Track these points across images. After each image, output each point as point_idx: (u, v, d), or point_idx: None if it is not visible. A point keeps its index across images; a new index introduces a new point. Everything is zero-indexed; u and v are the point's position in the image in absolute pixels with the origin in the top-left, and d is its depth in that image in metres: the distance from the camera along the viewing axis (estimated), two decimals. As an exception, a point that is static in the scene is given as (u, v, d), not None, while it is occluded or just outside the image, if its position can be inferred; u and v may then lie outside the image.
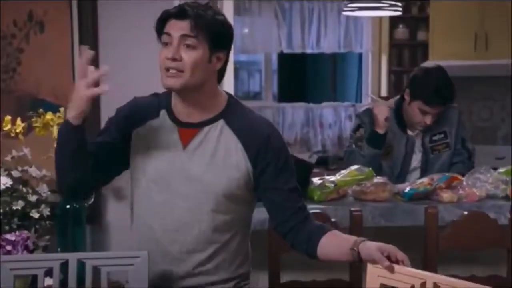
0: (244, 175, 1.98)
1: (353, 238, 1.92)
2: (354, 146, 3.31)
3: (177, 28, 1.88)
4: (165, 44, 1.90)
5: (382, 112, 3.17)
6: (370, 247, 1.83)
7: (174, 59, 1.88)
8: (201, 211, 1.98)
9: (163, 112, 2.02)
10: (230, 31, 1.98)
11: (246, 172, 1.98)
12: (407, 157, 3.29)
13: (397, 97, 3.37)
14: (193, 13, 1.87)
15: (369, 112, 3.32)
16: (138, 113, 2.04)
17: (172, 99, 2.02)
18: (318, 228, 2.01)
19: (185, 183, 1.97)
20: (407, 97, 3.22)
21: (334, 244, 1.95)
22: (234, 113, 2.01)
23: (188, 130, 1.99)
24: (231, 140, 1.98)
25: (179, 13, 1.88)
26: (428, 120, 3.17)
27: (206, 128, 1.98)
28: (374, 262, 1.80)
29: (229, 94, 2.07)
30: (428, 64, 5.75)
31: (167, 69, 1.89)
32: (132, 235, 2.11)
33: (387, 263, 1.78)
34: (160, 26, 1.92)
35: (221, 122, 1.99)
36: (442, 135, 3.30)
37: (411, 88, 3.20)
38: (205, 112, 1.99)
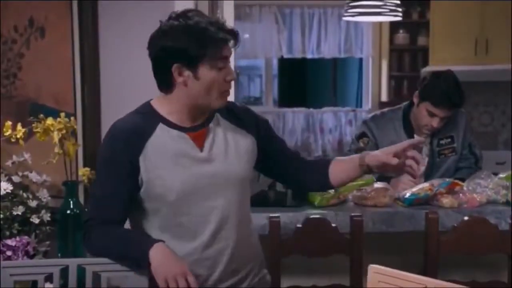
0: (253, 158, 2.11)
1: (356, 156, 2.12)
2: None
3: (230, 51, 1.96)
4: (220, 68, 1.93)
5: (407, 186, 3.07)
6: (375, 155, 2.06)
7: (232, 80, 1.97)
8: (230, 201, 2.03)
9: (160, 126, 1.98)
10: None
11: (254, 154, 2.11)
12: None
13: (406, 102, 3.37)
14: (236, 32, 1.96)
15: (376, 119, 3.33)
16: (132, 137, 1.96)
17: (159, 109, 2.00)
18: (320, 162, 2.26)
19: (216, 182, 1.99)
20: (416, 99, 3.22)
21: (342, 169, 2.17)
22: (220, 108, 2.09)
23: (197, 133, 2.01)
24: (234, 130, 2.07)
25: (233, 37, 1.95)
26: (435, 123, 3.16)
27: (211, 125, 2.04)
28: (385, 166, 2.04)
29: None
30: (430, 69, 5.78)
31: (225, 91, 1.97)
32: None
33: (395, 160, 2.00)
34: (213, 50, 1.91)
35: (217, 116, 2.06)
36: (449, 140, 3.30)
37: (421, 90, 3.20)
38: (205, 112, 2.04)
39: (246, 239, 2.10)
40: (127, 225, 2.05)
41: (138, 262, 1.89)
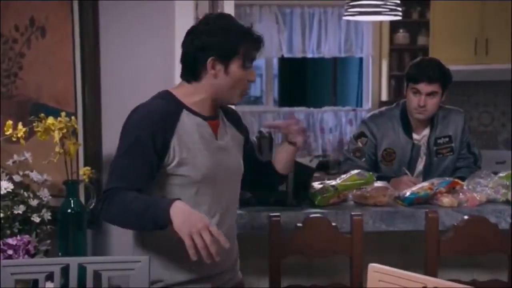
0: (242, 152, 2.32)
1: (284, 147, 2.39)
2: (352, 154, 3.32)
3: (256, 55, 2.20)
4: (247, 68, 2.15)
5: (407, 186, 3.09)
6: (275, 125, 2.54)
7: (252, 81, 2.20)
8: (237, 191, 2.29)
9: (185, 112, 2.13)
10: None
11: (242, 149, 2.32)
12: (412, 163, 3.30)
13: (402, 101, 3.38)
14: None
15: (375, 119, 3.34)
16: (164, 119, 2.09)
17: (188, 99, 2.15)
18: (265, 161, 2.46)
19: (231, 169, 2.22)
20: (405, 90, 3.28)
21: (280, 157, 2.42)
22: None
23: (213, 122, 2.19)
24: (231, 126, 2.28)
25: (261, 44, 2.19)
26: (421, 101, 3.20)
27: (220, 117, 2.23)
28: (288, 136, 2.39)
29: None
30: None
31: (245, 90, 2.19)
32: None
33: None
34: (246, 50, 2.14)
35: (219, 112, 2.24)
36: (447, 139, 3.31)
37: (405, 76, 3.30)
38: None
39: (233, 231, 2.27)
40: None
41: (157, 220, 1.94)
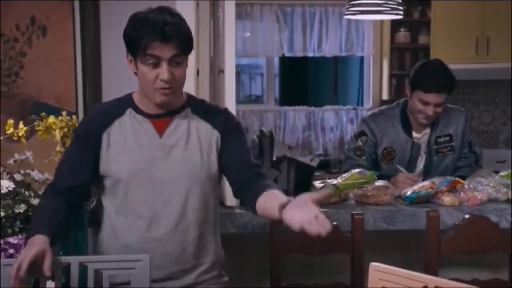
0: (217, 150, 2.14)
1: (281, 201, 1.88)
2: (352, 153, 3.32)
3: (165, 50, 1.96)
4: (151, 64, 1.98)
5: (405, 184, 3.10)
6: (291, 218, 1.79)
7: (169, 80, 1.99)
8: (188, 192, 2.09)
9: (129, 110, 2.12)
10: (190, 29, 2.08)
11: (218, 146, 2.14)
12: (412, 162, 3.30)
13: (403, 99, 3.37)
14: (176, 32, 1.96)
15: (376, 117, 3.33)
16: (104, 116, 2.12)
17: (135, 97, 2.13)
18: (262, 186, 2.06)
19: (170, 167, 2.08)
20: (408, 92, 3.24)
21: (267, 204, 1.97)
22: (195, 103, 2.19)
23: (160, 120, 2.11)
24: (200, 124, 2.14)
25: (164, 36, 1.94)
26: (430, 111, 3.16)
27: (176, 116, 2.13)
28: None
29: (185, 91, 2.22)
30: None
31: (162, 88, 2.01)
32: (109, 229, 2.16)
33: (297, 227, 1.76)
34: (138, 46, 1.96)
35: (187, 110, 2.15)
36: (447, 138, 3.30)
37: (411, 80, 3.22)
38: (173, 104, 2.12)
39: (181, 235, 2.12)
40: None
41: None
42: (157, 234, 2.08)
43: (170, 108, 2.12)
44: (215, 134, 2.15)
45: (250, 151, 2.24)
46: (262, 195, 2.01)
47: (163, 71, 1.97)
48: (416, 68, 3.27)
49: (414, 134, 3.30)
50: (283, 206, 1.84)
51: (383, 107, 3.47)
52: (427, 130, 3.31)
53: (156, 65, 1.98)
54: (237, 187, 2.15)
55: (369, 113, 3.49)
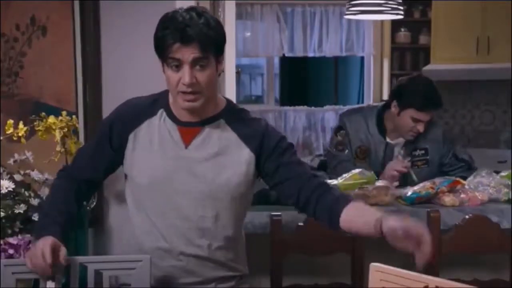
0: (247, 171, 2.01)
1: (376, 214, 1.84)
2: (334, 149, 3.32)
3: (186, 53, 1.85)
4: (174, 67, 1.88)
5: (397, 167, 3.14)
6: (392, 227, 1.76)
7: (192, 84, 1.88)
8: (205, 209, 2.00)
9: (161, 111, 2.03)
10: (223, 30, 1.96)
11: (250, 167, 2.01)
12: (386, 162, 3.29)
13: (381, 105, 3.38)
14: (198, 34, 1.84)
15: (351, 114, 3.35)
16: (134, 115, 2.04)
17: (170, 98, 2.04)
18: (340, 197, 1.97)
19: (190, 182, 1.98)
20: (395, 109, 3.21)
21: (356, 216, 1.90)
22: (232, 114, 2.05)
23: (189, 129, 2.01)
24: (232, 138, 2.01)
25: (184, 37, 1.84)
26: (421, 127, 3.18)
27: (207, 127, 2.01)
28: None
29: (227, 98, 2.12)
30: (432, 67, 5.78)
31: (184, 93, 1.90)
32: (131, 229, 2.12)
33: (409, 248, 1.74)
34: (162, 48, 1.88)
35: (221, 121, 2.02)
36: (422, 151, 3.30)
37: (400, 98, 3.19)
38: (206, 113, 2.01)
39: (206, 259, 2.04)
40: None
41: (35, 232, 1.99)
42: (169, 246, 2.02)
43: (202, 117, 2.00)
44: (248, 154, 2.01)
45: (304, 164, 2.09)
46: (347, 207, 1.92)
47: (184, 74, 1.87)
48: (404, 85, 3.24)
49: (388, 139, 3.30)
50: (379, 220, 1.80)
51: (365, 105, 3.48)
52: (401, 140, 3.31)
53: (178, 68, 1.88)
54: (304, 202, 2.00)
55: (347, 109, 3.49)
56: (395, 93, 3.26)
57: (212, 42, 1.88)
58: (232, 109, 2.07)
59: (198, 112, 1.99)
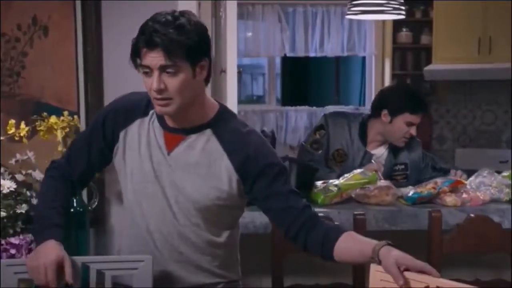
0: (229, 186, 1.93)
1: (371, 244, 1.81)
2: (309, 146, 3.32)
3: (153, 59, 1.81)
4: (146, 73, 1.85)
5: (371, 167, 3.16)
6: (388, 259, 1.75)
7: (160, 90, 1.83)
8: (184, 219, 1.96)
9: (152, 113, 1.99)
10: (206, 34, 1.89)
11: (232, 182, 1.93)
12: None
13: (366, 115, 3.39)
14: (163, 40, 1.79)
15: (335, 116, 3.36)
16: (127, 112, 2.01)
17: None
18: (333, 229, 1.93)
19: (171, 189, 1.95)
20: (385, 118, 3.23)
21: (352, 248, 1.87)
22: (223, 124, 1.96)
23: (174, 136, 1.95)
24: (217, 151, 1.93)
25: (149, 43, 1.80)
26: (414, 131, 3.24)
27: (192, 136, 1.95)
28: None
29: (221, 105, 2.03)
30: (433, 67, 5.78)
31: (156, 99, 1.86)
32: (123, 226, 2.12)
33: (401, 281, 1.72)
34: (135, 54, 1.86)
35: (208, 132, 1.95)
36: (402, 166, 3.34)
37: (391, 106, 3.22)
38: (192, 120, 1.95)
39: (187, 264, 2.00)
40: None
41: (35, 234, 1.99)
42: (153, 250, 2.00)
43: (187, 124, 1.94)
44: (231, 170, 1.92)
45: (288, 179, 1.98)
46: (341, 238, 1.87)
47: (153, 81, 1.82)
48: (391, 94, 3.33)
49: (367, 148, 3.31)
50: (376, 249, 1.78)
51: (350, 110, 3.49)
52: (381, 151, 3.32)
53: (149, 74, 1.83)
54: (294, 233, 1.93)
55: (333, 110, 3.49)
56: (381, 103, 3.28)
57: (181, 48, 1.80)
58: (223, 117, 1.98)
59: (181, 119, 1.93)
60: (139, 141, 1.98)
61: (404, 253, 1.79)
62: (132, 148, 1.99)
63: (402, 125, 3.22)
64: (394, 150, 3.33)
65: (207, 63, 1.90)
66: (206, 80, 1.94)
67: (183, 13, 1.86)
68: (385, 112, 3.23)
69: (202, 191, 1.93)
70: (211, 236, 2.00)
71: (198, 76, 1.88)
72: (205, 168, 1.93)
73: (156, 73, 1.82)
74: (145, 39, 1.80)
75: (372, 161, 3.23)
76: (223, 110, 2.00)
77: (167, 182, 1.95)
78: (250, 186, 1.93)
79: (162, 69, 1.81)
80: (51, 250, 1.86)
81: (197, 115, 1.94)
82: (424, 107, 3.29)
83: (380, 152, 3.32)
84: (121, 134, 2.00)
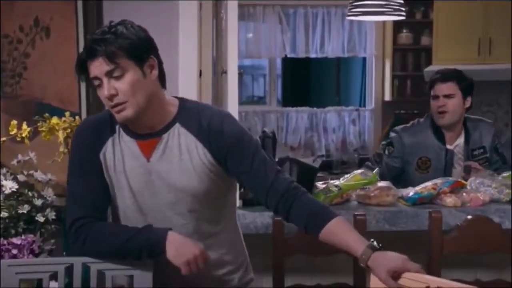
0: (213, 170, 1.98)
1: (358, 246, 1.88)
2: (373, 157, 3.51)
3: (97, 68, 1.86)
4: (98, 85, 1.90)
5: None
6: (380, 272, 1.81)
7: (111, 96, 1.87)
8: (181, 216, 1.99)
9: (117, 127, 2.00)
10: (146, 34, 1.94)
11: (213, 167, 1.98)
12: (448, 170, 3.33)
13: (430, 112, 3.44)
14: (101, 46, 1.85)
15: (407, 129, 3.40)
16: (95, 134, 2.01)
17: None
18: (323, 208, 2.00)
19: (161, 194, 1.97)
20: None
21: (340, 238, 1.94)
22: (186, 113, 2.00)
23: (147, 142, 1.97)
24: (191, 141, 1.97)
25: (90, 54, 1.86)
26: (439, 102, 3.30)
27: (165, 136, 1.97)
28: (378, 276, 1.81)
29: (179, 98, 2.06)
30: (433, 68, 5.78)
31: (112, 107, 1.89)
32: None
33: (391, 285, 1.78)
34: (83, 69, 1.90)
35: (177, 126, 1.98)
36: (482, 150, 3.38)
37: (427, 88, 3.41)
38: (159, 121, 1.97)
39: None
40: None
41: (152, 250, 1.90)
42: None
43: (155, 125, 1.96)
44: (206, 154, 1.97)
45: (266, 161, 2.02)
46: (333, 221, 1.94)
47: (103, 89, 1.87)
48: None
49: (447, 145, 3.34)
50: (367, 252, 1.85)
51: (414, 121, 3.48)
52: (459, 141, 3.37)
53: (100, 85, 1.89)
54: (274, 209, 2.02)
55: (401, 126, 3.48)
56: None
57: (120, 48, 1.85)
58: (185, 108, 2.01)
59: (146, 123, 1.95)
60: (116, 160, 1.98)
61: (393, 255, 1.84)
62: (111, 169, 1.99)
63: (431, 102, 3.34)
64: (468, 136, 3.38)
65: (155, 62, 1.94)
66: (162, 81, 1.98)
67: (120, 22, 1.93)
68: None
69: (194, 182, 1.96)
70: (210, 227, 2.04)
71: (148, 75, 1.91)
72: (188, 161, 1.96)
73: (104, 81, 1.87)
74: (86, 51, 1.88)
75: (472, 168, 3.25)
76: (183, 102, 2.04)
77: (156, 189, 1.97)
78: (224, 163, 1.98)
79: (109, 74, 1.86)
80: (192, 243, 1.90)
81: (160, 115, 1.98)
82: (440, 78, 3.35)
83: (458, 143, 3.37)
84: (101, 157, 2.00)
